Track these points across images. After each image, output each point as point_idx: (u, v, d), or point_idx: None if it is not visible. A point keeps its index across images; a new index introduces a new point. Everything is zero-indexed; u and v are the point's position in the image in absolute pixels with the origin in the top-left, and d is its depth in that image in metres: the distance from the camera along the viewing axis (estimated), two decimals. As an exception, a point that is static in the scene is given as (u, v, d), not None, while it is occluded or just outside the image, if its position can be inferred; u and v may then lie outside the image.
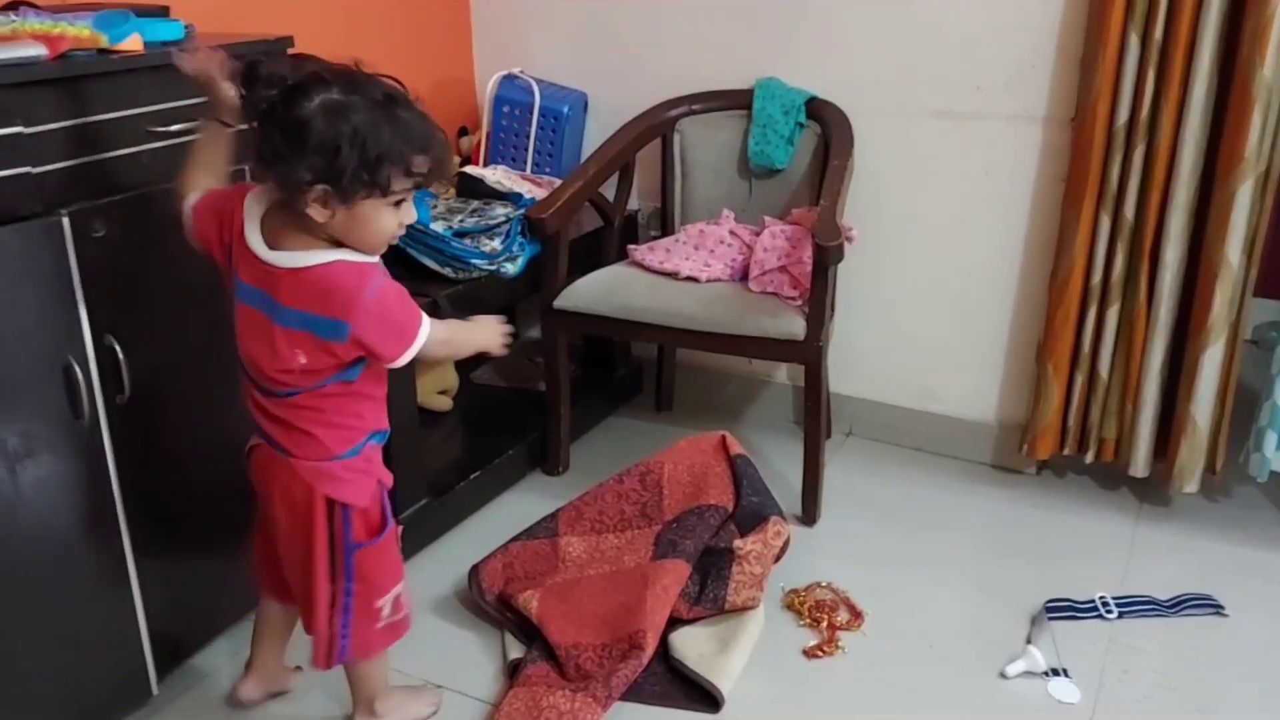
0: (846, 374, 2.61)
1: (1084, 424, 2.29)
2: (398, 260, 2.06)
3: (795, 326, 2.14)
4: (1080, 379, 2.26)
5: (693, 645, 1.82)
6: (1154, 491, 2.32)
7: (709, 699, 1.73)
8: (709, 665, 1.77)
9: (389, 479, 1.52)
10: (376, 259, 1.39)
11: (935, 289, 2.47)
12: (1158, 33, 1.98)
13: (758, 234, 2.34)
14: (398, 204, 1.35)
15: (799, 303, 2.19)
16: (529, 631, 1.85)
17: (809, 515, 2.27)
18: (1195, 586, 2.01)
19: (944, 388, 2.53)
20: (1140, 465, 2.24)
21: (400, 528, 1.56)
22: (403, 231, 1.39)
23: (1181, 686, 1.78)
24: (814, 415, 2.22)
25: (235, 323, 1.42)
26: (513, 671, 1.80)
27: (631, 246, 2.46)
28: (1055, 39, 2.18)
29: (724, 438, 2.16)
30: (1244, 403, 2.21)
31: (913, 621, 1.94)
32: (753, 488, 2.06)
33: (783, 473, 2.40)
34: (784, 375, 2.73)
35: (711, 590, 1.88)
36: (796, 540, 2.14)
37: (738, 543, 1.92)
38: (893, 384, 2.59)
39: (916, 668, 1.83)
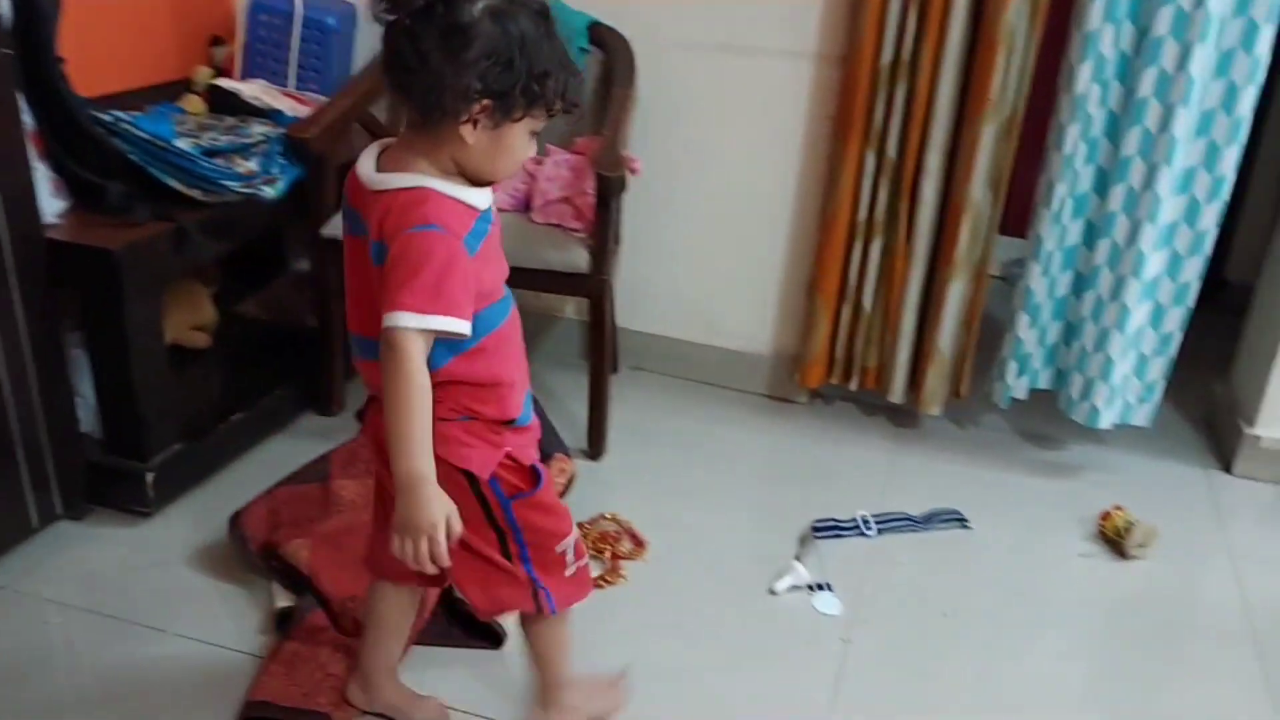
0: (635, 309, 2.62)
1: (849, 354, 2.41)
2: (137, 180, 1.88)
3: (579, 259, 2.12)
4: (846, 311, 2.36)
5: (475, 584, 1.79)
6: (909, 417, 2.48)
7: (492, 635, 1.71)
8: (491, 603, 1.75)
9: (528, 459, 1.34)
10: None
11: (719, 224, 2.50)
12: (920, -27, 2.06)
13: (540, 163, 2.28)
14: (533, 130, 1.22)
15: (583, 235, 2.17)
16: (299, 583, 1.76)
17: (595, 450, 2.28)
18: (944, 503, 2.17)
19: (727, 321, 2.58)
20: (898, 392, 2.38)
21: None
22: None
23: (930, 593, 1.91)
24: (599, 351, 2.22)
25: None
26: (281, 621, 1.71)
27: (406, 175, 2.34)
28: (830, -25, 2.22)
29: (506, 376, 2.11)
30: (994, 335, 2.38)
31: (693, 548, 2.00)
32: (540, 425, 2.03)
33: (570, 408, 2.39)
34: (572, 310, 2.72)
35: (494, 528, 1.86)
36: (583, 475, 2.15)
37: (520, 479, 1.90)
38: (679, 318, 2.62)
39: (696, 591, 1.88)
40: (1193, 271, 2.15)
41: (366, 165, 1.24)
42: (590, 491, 2.13)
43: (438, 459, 1.21)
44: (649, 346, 2.65)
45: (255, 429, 2.22)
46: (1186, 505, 2.25)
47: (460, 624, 1.73)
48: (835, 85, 2.26)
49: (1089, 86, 2.05)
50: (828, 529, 2.05)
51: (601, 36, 2.36)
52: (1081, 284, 2.23)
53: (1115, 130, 2.08)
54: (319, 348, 2.34)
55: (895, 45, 2.12)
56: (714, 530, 2.07)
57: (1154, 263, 2.13)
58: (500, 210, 2.19)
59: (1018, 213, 2.46)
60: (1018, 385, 2.34)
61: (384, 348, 1.17)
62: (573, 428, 2.29)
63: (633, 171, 2.17)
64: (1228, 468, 2.38)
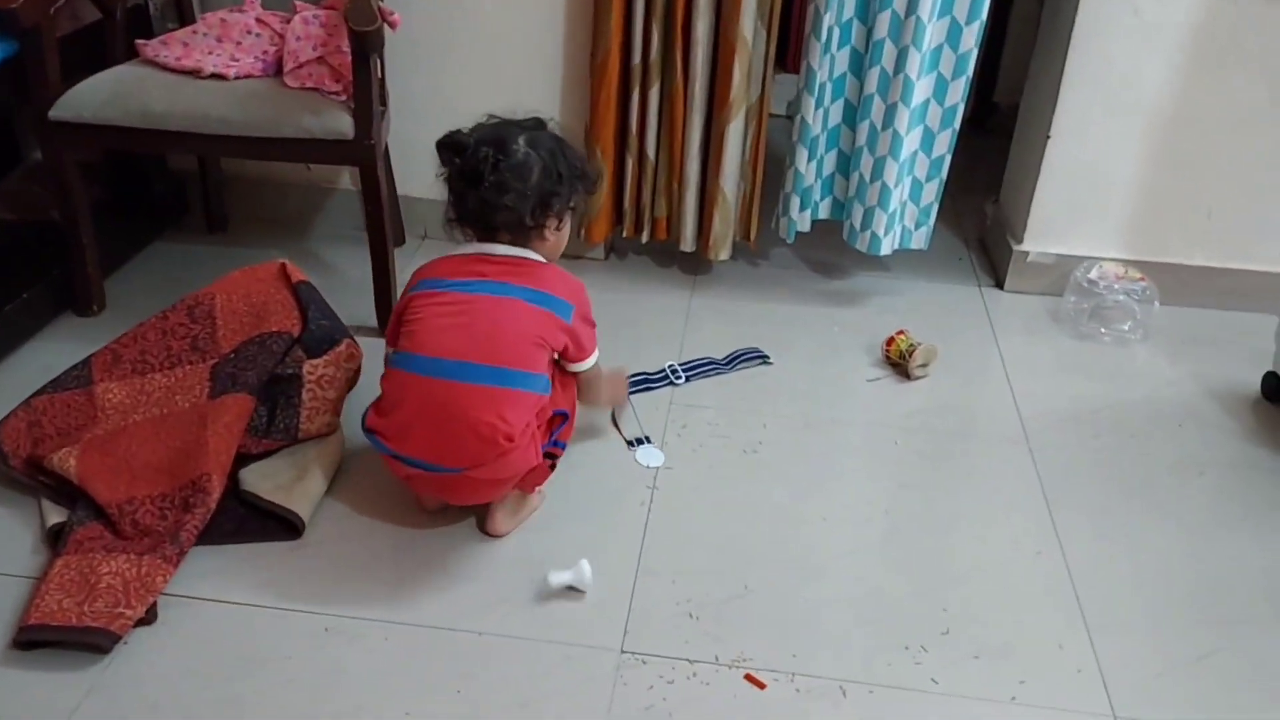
0: (416, 174, 2.48)
1: (638, 205, 2.38)
2: None
3: (342, 124, 1.99)
4: (630, 161, 2.32)
5: (267, 478, 1.72)
6: (704, 263, 2.49)
7: (289, 527, 1.66)
8: (286, 494, 1.69)
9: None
10: None
11: (490, 76, 2.38)
12: None
13: (288, 21, 2.10)
14: None
15: (344, 98, 2.03)
16: (71, 494, 1.65)
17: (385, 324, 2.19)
18: (745, 343, 2.21)
19: (509, 179, 2.50)
20: (689, 240, 2.38)
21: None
22: None
23: (734, 432, 1.96)
24: (377, 222, 2.11)
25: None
26: (55, 538, 1.60)
27: (141, 42, 2.12)
28: None
29: (283, 265, 1.99)
30: (779, 173, 2.39)
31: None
32: (321, 312, 1.94)
33: (357, 284, 2.28)
34: (348, 181, 2.57)
35: (282, 420, 1.77)
36: (377, 351, 2.06)
37: (307, 367, 1.81)
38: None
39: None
40: (958, 94, 2.20)
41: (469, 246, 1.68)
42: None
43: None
44: (435, 213, 2.53)
45: (6, 336, 2.03)
46: (964, 322, 2.38)
47: (256, 518, 1.67)
48: (598, -79, 2.15)
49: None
50: (638, 383, 2.06)
51: (344, -124, 2.16)
52: (854, 114, 2.26)
53: (878, -44, 2.08)
54: (69, 243, 2.14)
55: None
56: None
57: (921, 88, 2.17)
58: (249, 76, 2.06)
59: (798, 49, 2.45)
60: (801, 219, 2.38)
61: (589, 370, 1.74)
62: (362, 304, 2.19)
63: (391, 25, 2.03)
64: (1000, 284, 2.51)
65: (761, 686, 1.45)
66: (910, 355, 2.13)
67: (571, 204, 1.67)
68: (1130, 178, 2.34)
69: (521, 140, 1.60)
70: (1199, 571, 1.69)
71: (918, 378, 2.14)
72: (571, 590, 1.58)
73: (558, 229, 1.67)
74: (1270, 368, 2.11)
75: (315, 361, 1.83)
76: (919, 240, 2.39)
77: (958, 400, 2.11)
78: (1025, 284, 2.48)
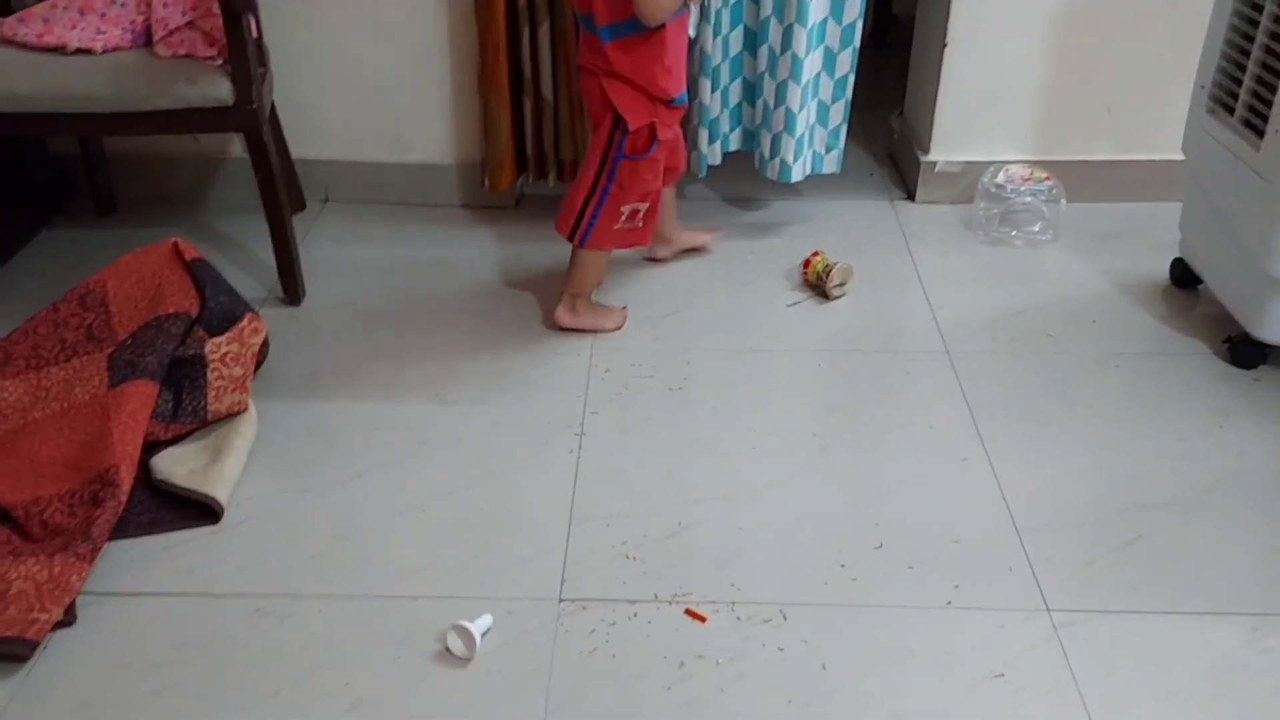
0: (310, 136, 2.41)
1: (539, 150, 2.33)
2: None
3: (221, 90, 1.91)
4: (528, 104, 2.26)
5: (180, 463, 1.67)
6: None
7: (207, 512, 1.61)
8: (201, 479, 1.63)
9: (664, 133, 1.87)
10: None
11: (375, 28, 2.30)
12: None
13: (153, -12, 2.00)
14: None
15: (220, 62, 1.94)
16: (-27, 501, 1.58)
17: (291, 295, 2.13)
18: (666, 284, 2.19)
19: (411, 135, 2.43)
20: (598, 179, 2.33)
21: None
22: None
23: (658, 370, 1.95)
24: (270, 188, 2.04)
25: None
26: (-41, 550, 1.53)
27: (-4, 21, 2.00)
28: None
29: (175, 244, 1.91)
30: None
31: (419, 371, 1.94)
32: (219, 289, 1.87)
33: (259, 255, 2.22)
34: (239, 148, 2.47)
35: (189, 403, 1.72)
36: (286, 322, 2.02)
37: (209, 346, 1.75)
38: (361, 139, 2.44)
39: (419, 416, 1.83)
40: (855, 11, 2.18)
41: None
42: (297, 339, 2.01)
43: (609, 99, 1.81)
44: (335, 175, 2.48)
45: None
46: (879, 237, 2.38)
47: (172, 506, 1.62)
48: None
49: None
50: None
51: None
52: (754, 39, 2.23)
53: None
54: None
55: None
56: (433, 352, 2.00)
57: (817, 7, 2.13)
58: (118, 49, 1.96)
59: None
60: (711, 152, 2.35)
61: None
62: (266, 274, 2.13)
63: (263, -19, 1.94)
64: (912, 196, 2.52)
65: (702, 620, 1.45)
66: (827, 275, 2.13)
67: None
68: (1029, 80, 2.35)
69: None
70: (1120, 461, 1.73)
71: (836, 297, 2.14)
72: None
73: None
74: (1178, 254, 2.15)
75: (218, 340, 1.77)
76: (830, 164, 2.38)
77: (877, 317, 2.11)
78: (936, 194, 2.48)
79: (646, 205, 1.92)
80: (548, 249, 2.31)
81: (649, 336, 2.05)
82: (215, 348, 1.76)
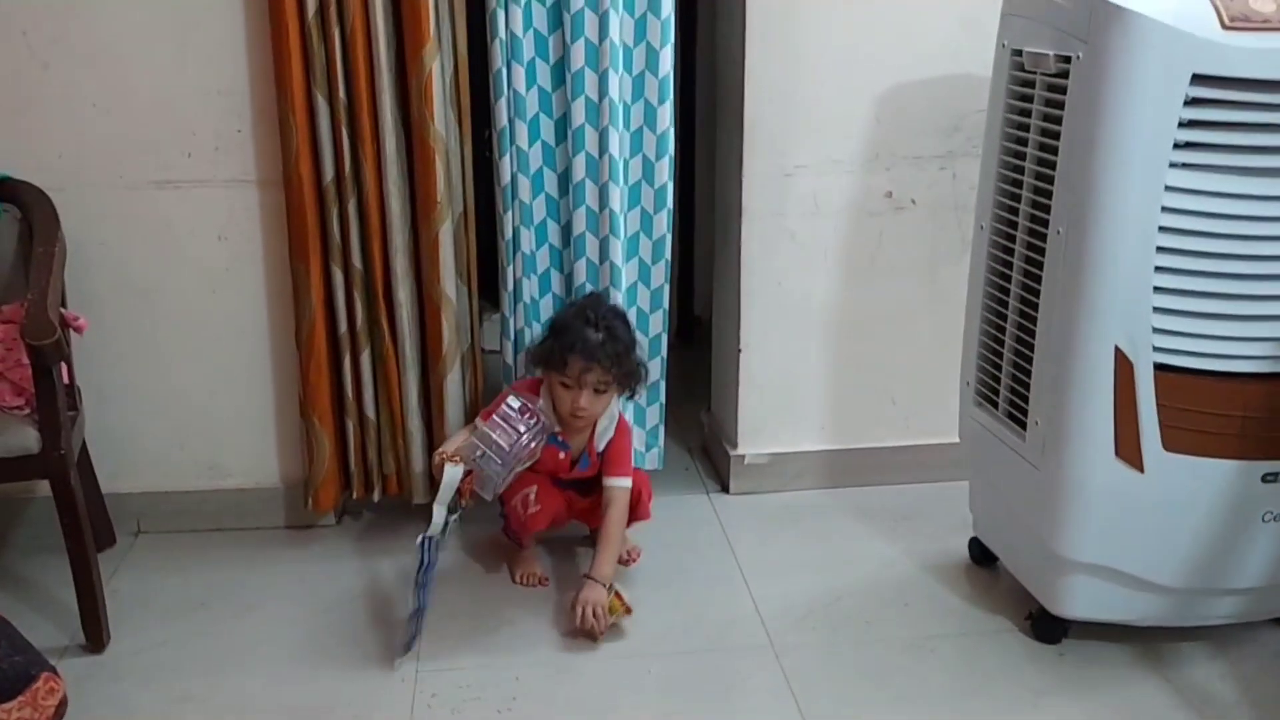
0: (124, 469, 2.38)
1: (364, 466, 2.36)
2: None
3: (27, 440, 1.89)
4: (351, 424, 2.31)
5: None
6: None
7: None
8: None
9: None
10: None
11: (196, 360, 2.35)
12: (341, 93, 2.09)
13: (-42, 339, 1.99)
14: None
15: (27, 411, 1.92)
16: None
17: (95, 641, 2.01)
18: (495, 595, 2.18)
19: (228, 460, 2.43)
20: (420, 492, 2.36)
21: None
22: None
23: (485, 688, 1.90)
24: (75, 531, 1.97)
25: None
26: None
27: None
28: (251, 103, 2.19)
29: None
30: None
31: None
32: (13, 647, 1.75)
33: (63, 599, 2.10)
34: (46, 488, 2.38)
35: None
36: (88, 674, 1.91)
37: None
38: (177, 468, 2.42)
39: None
40: (659, 323, 2.36)
41: None
42: (100, 694, 1.89)
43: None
44: (149, 506, 2.42)
45: None
46: (699, 530, 2.47)
47: None
48: (281, 207, 2.21)
49: (513, 175, 2.21)
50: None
51: (14, 192, 2.13)
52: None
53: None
54: None
55: (334, 163, 2.13)
56: (249, 695, 1.91)
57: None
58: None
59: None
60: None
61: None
62: (69, 621, 2.02)
63: (77, 330, 1.98)
64: (725, 488, 2.64)
65: None
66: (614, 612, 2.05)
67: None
68: (819, 377, 2.56)
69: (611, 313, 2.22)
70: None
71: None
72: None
73: None
74: (973, 533, 2.30)
75: (7, 706, 1.65)
76: (651, 461, 2.49)
77: (703, 615, 2.15)
78: (748, 485, 2.62)
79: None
80: (369, 566, 2.29)
81: (476, 652, 2.02)
82: (5, 714, 1.63)
